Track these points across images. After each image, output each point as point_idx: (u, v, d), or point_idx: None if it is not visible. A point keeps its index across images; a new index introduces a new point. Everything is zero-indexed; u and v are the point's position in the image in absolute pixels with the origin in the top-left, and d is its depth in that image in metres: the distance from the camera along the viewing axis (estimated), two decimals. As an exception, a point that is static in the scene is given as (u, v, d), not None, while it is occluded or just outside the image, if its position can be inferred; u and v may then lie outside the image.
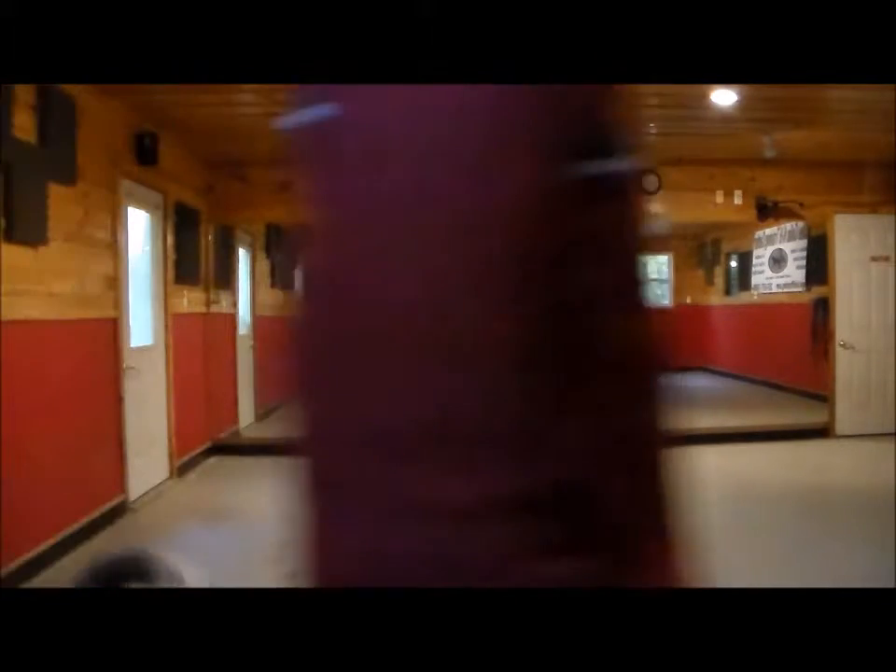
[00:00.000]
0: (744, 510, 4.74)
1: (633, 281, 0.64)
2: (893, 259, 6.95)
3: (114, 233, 4.70)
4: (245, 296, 8.01)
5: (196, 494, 5.49)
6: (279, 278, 9.45)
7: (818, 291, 8.45)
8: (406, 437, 0.60)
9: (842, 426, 6.91)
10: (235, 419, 7.45)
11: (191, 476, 5.93)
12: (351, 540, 0.68)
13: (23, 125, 3.60)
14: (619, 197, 0.63)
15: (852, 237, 6.94)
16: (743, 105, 4.85)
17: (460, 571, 0.65)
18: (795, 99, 4.89)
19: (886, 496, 4.73)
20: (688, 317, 12.67)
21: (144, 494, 5.11)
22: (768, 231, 9.92)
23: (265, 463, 6.80)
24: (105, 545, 4.23)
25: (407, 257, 0.59)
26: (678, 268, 12.96)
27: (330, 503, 0.72)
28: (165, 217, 5.64)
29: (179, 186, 5.92)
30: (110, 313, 4.66)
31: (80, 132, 4.19)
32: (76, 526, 4.12)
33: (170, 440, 5.64)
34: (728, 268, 11.65)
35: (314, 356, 0.72)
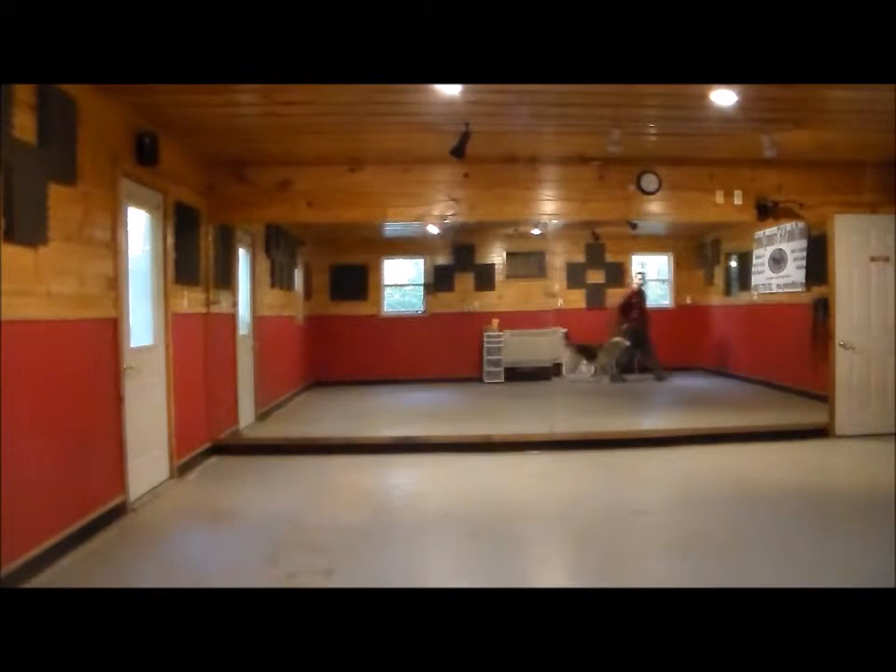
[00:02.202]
0: (744, 510, 4.74)
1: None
2: (893, 259, 6.95)
3: (114, 233, 4.70)
4: (245, 296, 8.01)
5: (196, 494, 5.49)
6: (279, 278, 9.46)
7: (818, 291, 8.45)
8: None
9: (842, 426, 6.91)
10: (235, 419, 7.44)
11: (191, 476, 5.93)
12: None
13: (23, 125, 3.59)
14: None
15: (852, 237, 6.93)
16: (743, 104, 4.85)
17: None
18: (795, 99, 4.89)
19: (886, 496, 4.73)
20: (688, 317, 12.66)
21: (144, 494, 5.11)
22: (768, 231, 9.91)
23: (265, 463, 6.86)
24: (105, 545, 4.24)
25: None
26: (678, 268, 12.95)
27: None
28: (165, 217, 5.63)
29: (179, 186, 5.91)
30: (110, 313, 4.66)
31: (80, 132, 4.19)
32: (76, 526, 4.12)
33: (170, 440, 5.64)
34: (728, 268, 11.66)
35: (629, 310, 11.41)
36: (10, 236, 3.46)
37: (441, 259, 12.49)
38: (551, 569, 4.01)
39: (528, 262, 12.51)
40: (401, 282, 13.02)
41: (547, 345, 12.14)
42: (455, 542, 4.35)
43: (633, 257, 12.88)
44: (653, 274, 13.38)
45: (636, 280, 11.85)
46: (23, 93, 3.58)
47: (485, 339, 12.04)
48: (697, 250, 12.71)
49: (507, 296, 12.52)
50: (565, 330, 11.91)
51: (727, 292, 11.70)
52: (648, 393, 10.45)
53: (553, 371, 12.05)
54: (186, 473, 5.88)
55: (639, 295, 11.66)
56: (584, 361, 11.80)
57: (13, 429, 3.47)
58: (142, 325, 5.31)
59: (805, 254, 9.08)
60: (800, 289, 9.19)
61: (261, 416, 8.35)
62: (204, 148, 6.21)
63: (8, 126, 3.45)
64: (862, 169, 6.80)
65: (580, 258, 12.66)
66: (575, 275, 12.68)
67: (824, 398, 7.27)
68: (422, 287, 12.63)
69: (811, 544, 4.05)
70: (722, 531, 4.35)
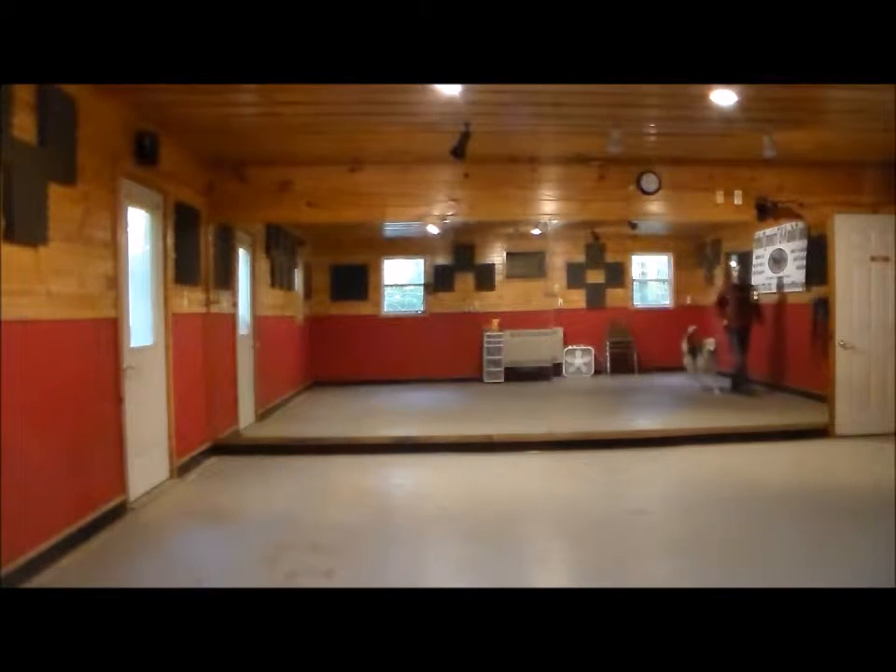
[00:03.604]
0: (744, 509, 4.74)
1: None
2: (893, 259, 6.94)
3: (114, 233, 4.70)
4: (245, 296, 8.01)
5: (196, 494, 5.49)
6: (279, 278, 9.46)
7: (818, 291, 8.45)
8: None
9: (842, 426, 6.91)
10: (235, 419, 7.45)
11: (191, 476, 5.93)
12: None
13: (23, 125, 3.59)
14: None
15: (852, 237, 6.93)
16: (743, 104, 4.85)
17: None
18: (795, 99, 4.89)
19: (886, 496, 4.73)
20: (688, 317, 12.65)
21: (144, 494, 5.11)
22: (768, 231, 9.91)
23: (265, 463, 6.86)
24: (105, 545, 4.24)
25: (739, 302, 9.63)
26: (678, 268, 12.95)
27: None
28: (165, 217, 5.63)
29: (179, 186, 5.91)
30: (110, 313, 4.66)
31: (80, 132, 4.19)
32: (76, 526, 4.12)
33: (170, 440, 5.64)
34: (728, 268, 11.65)
35: (724, 306, 9.80)
36: (10, 236, 3.47)
37: (441, 259, 12.49)
38: (551, 569, 4.01)
39: (528, 262, 12.51)
40: (401, 282, 13.03)
41: (547, 345, 12.14)
42: (455, 542, 4.35)
43: (633, 257, 12.89)
44: (653, 274, 13.39)
45: (732, 273, 10.22)
46: (23, 93, 3.58)
47: (485, 339, 12.04)
48: (697, 250, 12.71)
49: (507, 296, 12.52)
50: (693, 328, 10.80)
51: (727, 292, 11.70)
52: (647, 393, 10.45)
53: (553, 370, 12.05)
54: (186, 473, 5.88)
55: (736, 290, 9.89)
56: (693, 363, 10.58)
57: (13, 429, 3.47)
58: (142, 325, 5.31)
59: (805, 254, 9.08)
60: (800, 289, 9.18)
61: (261, 416, 8.35)
62: (204, 148, 6.21)
63: (8, 126, 3.45)
64: (862, 169, 6.80)
65: (580, 258, 12.66)
66: (575, 275, 12.68)
67: (824, 398, 7.27)
68: (422, 287, 12.63)
69: (811, 544, 4.05)
70: (722, 531, 4.35)
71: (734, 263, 10.48)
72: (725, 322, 9.88)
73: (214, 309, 6.69)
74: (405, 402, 10.04)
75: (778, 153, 5.85)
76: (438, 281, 12.48)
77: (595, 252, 12.60)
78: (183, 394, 5.87)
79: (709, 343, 10.03)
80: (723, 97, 4.73)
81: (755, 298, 9.91)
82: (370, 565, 3.90)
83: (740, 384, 9.76)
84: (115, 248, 4.70)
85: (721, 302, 10.01)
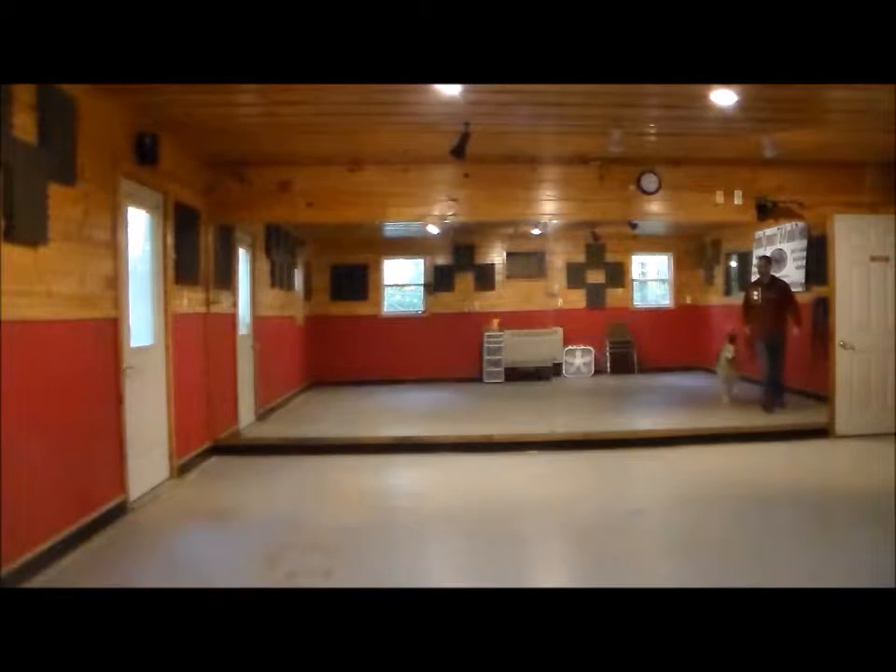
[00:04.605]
0: (744, 510, 4.74)
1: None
2: (893, 259, 6.94)
3: (114, 233, 4.70)
4: (245, 296, 8.01)
5: (196, 494, 5.49)
6: (279, 278, 9.46)
7: (818, 291, 8.44)
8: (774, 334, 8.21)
9: (842, 426, 6.91)
10: (235, 419, 7.45)
11: (191, 476, 5.93)
12: None
13: (23, 125, 3.59)
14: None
15: (852, 237, 6.93)
16: (743, 105, 4.85)
17: None
18: (795, 99, 4.89)
19: (886, 496, 4.73)
20: (688, 317, 12.67)
21: (144, 494, 5.11)
22: (768, 231, 9.91)
23: (265, 463, 6.85)
24: (105, 545, 4.24)
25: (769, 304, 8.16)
26: (678, 268, 12.95)
27: None
28: (165, 217, 5.63)
29: (179, 186, 5.91)
30: (110, 313, 4.66)
31: (80, 132, 4.19)
32: (76, 526, 4.12)
33: (170, 440, 5.64)
34: (728, 268, 11.66)
35: (752, 309, 8.31)
36: (10, 236, 3.46)
37: (441, 259, 12.49)
38: (551, 569, 4.01)
39: (528, 262, 12.51)
40: (401, 282, 13.03)
41: (547, 345, 12.14)
42: (456, 542, 4.35)
43: (633, 257, 12.89)
44: (653, 274, 13.39)
45: (756, 270, 8.91)
46: (23, 93, 3.58)
47: (485, 339, 12.04)
48: (697, 250, 12.71)
49: (507, 296, 12.52)
50: (732, 331, 9.04)
51: (727, 292, 11.69)
52: (647, 393, 10.45)
53: (554, 370, 12.05)
54: (186, 473, 5.88)
55: (764, 289, 8.22)
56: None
57: (13, 429, 3.47)
58: (142, 325, 5.31)
59: (804, 254, 9.07)
60: (800, 289, 9.18)
61: (261, 416, 8.35)
62: (204, 148, 6.21)
63: (8, 126, 3.45)
64: (862, 169, 6.80)
65: (580, 258, 12.66)
66: (575, 275, 12.68)
67: (824, 398, 7.26)
68: (422, 287, 12.63)
69: (811, 544, 4.05)
70: (722, 531, 4.35)
71: (762, 255, 8.94)
72: (747, 330, 8.37)
73: (214, 309, 6.69)
74: (405, 402, 10.03)
75: (779, 153, 5.84)
76: (438, 281, 12.48)
77: (595, 252, 12.60)
78: (183, 394, 5.87)
79: (727, 351, 8.73)
80: (723, 97, 4.72)
81: (791, 298, 8.13)
82: (369, 565, 3.90)
83: (775, 398, 8.09)
84: (115, 248, 4.70)
85: (745, 307, 8.42)
